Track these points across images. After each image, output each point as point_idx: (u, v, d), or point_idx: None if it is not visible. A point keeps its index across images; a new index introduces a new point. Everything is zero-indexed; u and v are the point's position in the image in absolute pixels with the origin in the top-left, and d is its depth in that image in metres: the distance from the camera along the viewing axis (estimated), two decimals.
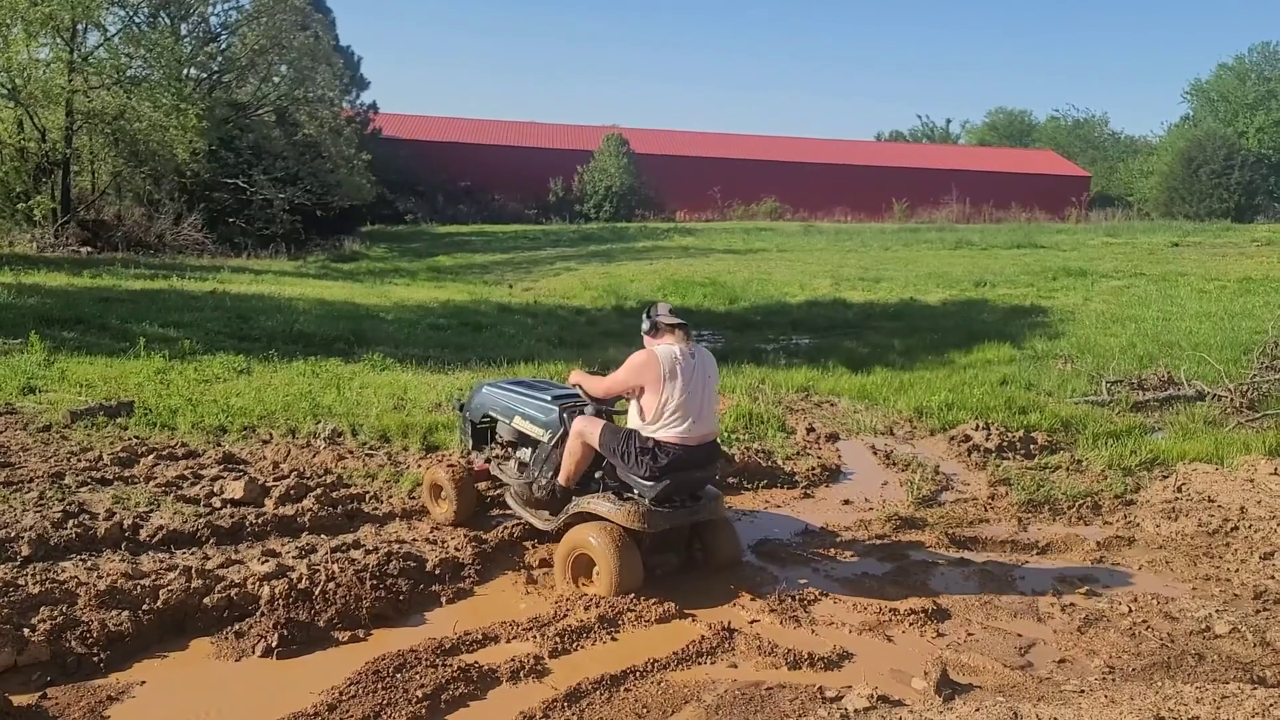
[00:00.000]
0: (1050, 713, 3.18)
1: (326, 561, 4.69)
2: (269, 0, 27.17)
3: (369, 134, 37.37)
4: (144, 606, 4.07)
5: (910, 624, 4.29)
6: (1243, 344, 10.68)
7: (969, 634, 4.23)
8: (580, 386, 4.92)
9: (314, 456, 6.60)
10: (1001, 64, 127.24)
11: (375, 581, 4.41)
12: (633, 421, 4.60)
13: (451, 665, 3.76)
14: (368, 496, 5.81)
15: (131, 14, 25.42)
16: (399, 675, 3.67)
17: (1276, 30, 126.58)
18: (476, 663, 3.80)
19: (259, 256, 23.46)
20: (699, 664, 3.88)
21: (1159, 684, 3.45)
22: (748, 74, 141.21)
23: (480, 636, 4.05)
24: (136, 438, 6.77)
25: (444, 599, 4.52)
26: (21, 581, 4.24)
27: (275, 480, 5.86)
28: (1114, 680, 3.76)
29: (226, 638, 3.99)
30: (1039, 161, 55.10)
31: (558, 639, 4.02)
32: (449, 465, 5.46)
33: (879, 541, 5.44)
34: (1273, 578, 4.91)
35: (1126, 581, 4.93)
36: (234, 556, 4.78)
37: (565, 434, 4.89)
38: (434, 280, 21.45)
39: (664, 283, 19.86)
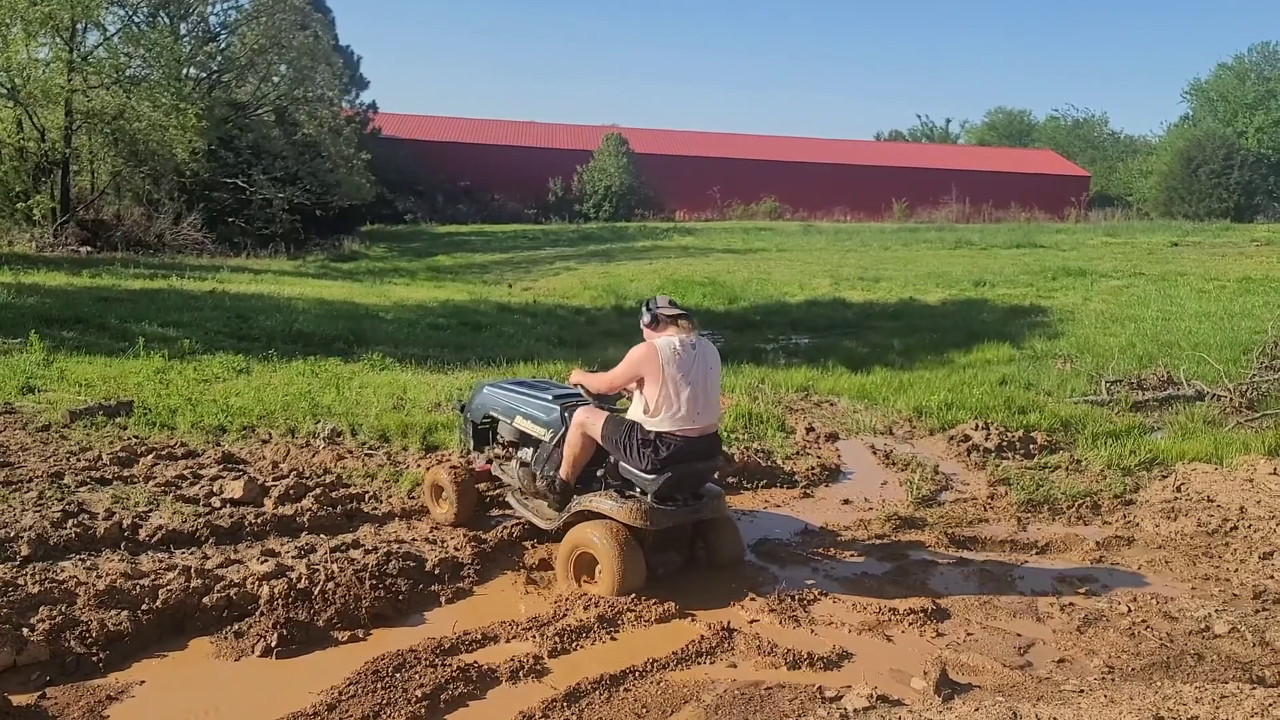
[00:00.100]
0: (1050, 712, 3.18)
1: (326, 561, 4.68)
2: (268, 0, 27.16)
3: (368, 133, 37.39)
4: (143, 606, 4.06)
5: (910, 624, 4.29)
6: (1242, 344, 10.69)
7: (968, 634, 4.23)
8: (581, 386, 4.92)
9: (313, 456, 6.60)
10: (1001, 64, 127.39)
11: (375, 581, 4.41)
12: (634, 414, 4.60)
13: (451, 665, 3.76)
14: (367, 496, 5.81)
15: (131, 13, 25.43)
16: (398, 675, 3.67)
17: (1276, 30, 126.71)
18: (476, 662, 3.80)
19: (258, 256, 23.45)
20: (698, 664, 3.88)
21: (1158, 684, 3.45)
22: (747, 74, 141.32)
23: (480, 636, 4.05)
24: (136, 437, 6.77)
25: (443, 599, 4.51)
26: (21, 581, 4.24)
27: (274, 480, 5.86)
28: (1113, 680, 3.77)
29: (226, 637, 3.99)
30: (1038, 161, 55.12)
31: (557, 639, 4.02)
32: (451, 466, 5.46)
33: (878, 541, 5.44)
34: (1272, 577, 4.91)
35: (1126, 581, 4.92)
36: (233, 556, 4.78)
37: (566, 433, 4.89)
38: (433, 280, 21.45)
39: (663, 282, 19.86)
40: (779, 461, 6.86)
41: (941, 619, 4.37)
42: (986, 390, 9.20)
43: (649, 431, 4.48)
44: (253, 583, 4.34)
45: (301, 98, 29.36)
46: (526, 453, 5.28)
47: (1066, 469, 6.96)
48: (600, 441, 4.66)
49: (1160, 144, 56.54)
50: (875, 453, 7.40)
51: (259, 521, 5.20)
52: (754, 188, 45.23)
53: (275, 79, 29.72)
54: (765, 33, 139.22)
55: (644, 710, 3.50)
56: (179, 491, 5.60)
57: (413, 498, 5.80)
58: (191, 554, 4.79)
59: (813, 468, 6.79)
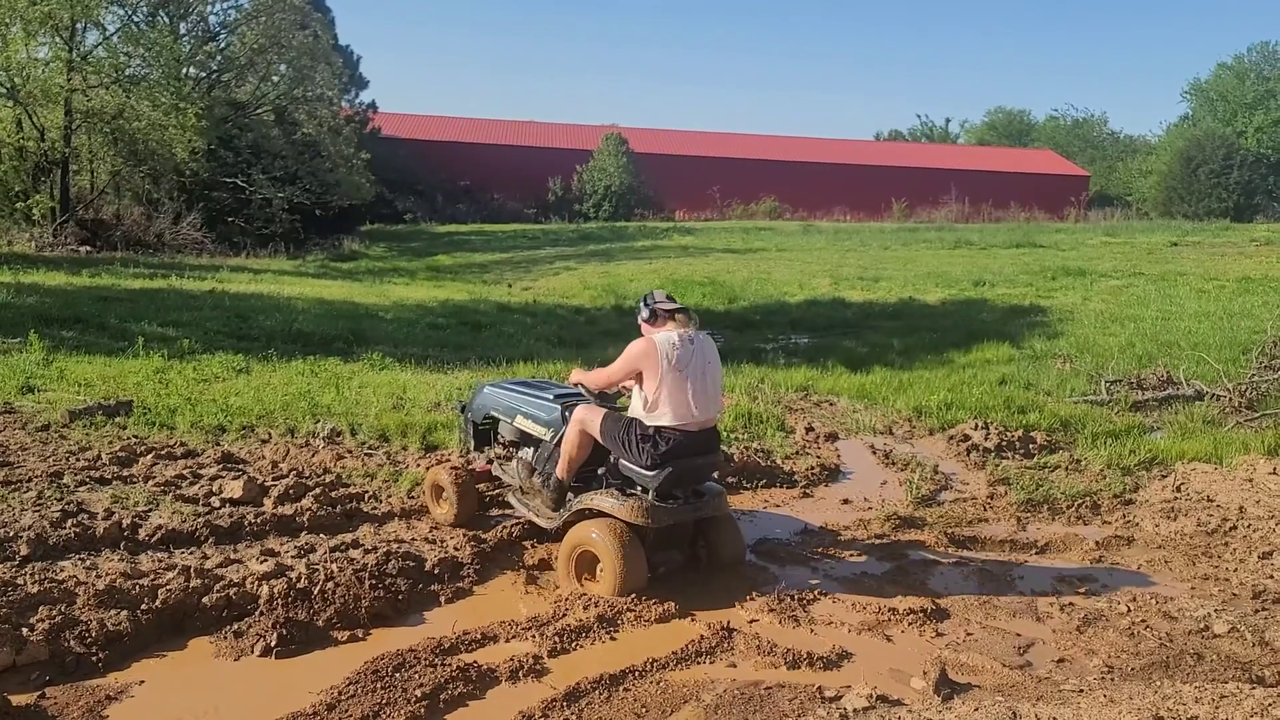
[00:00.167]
0: (1049, 712, 3.18)
1: (325, 561, 4.68)
2: (268, 0, 27.15)
3: (368, 133, 37.39)
4: (143, 606, 4.06)
5: (909, 623, 4.29)
6: (1241, 343, 10.69)
7: (968, 633, 4.23)
8: (581, 385, 4.92)
9: (313, 456, 6.60)
10: (1001, 63, 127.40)
11: (374, 581, 4.41)
12: (634, 411, 4.60)
13: (450, 665, 3.76)
14: (367, 496, 5.81)
15: (130, 13, 25.41)
16: (398, 675, 3.67)
17: (1276, 30, 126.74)
18: (475, 662, 3.80)
19: (258, 256, 23.44)
20: (698, 663, 3.88)
21: (1158, 683, 3.45)
22: (747, 74, 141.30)
23: (479, 636, 4.05)
24: (135, 437, 6.77)
25: (443, 598, 4.51)
26: (20, 581, 4.24)
27: (274, 480, 5.86)
28: (1113, 680, 3.77)
29: (225, 637, 3.99)
30: (1038, 161, 55.13)
31: (557, 638, 4.02)
32: (451, 467, 5.47)
33: (878, 541, 5.44)
34: (1271, 577, 4.91)
35: (1125, 581, 4.93)
36: (233, 556, 4.78)
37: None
38: (433, 279, 21.45)
39: (663, 282, 19.86)
40: (778, 461, 6.86)
41: (941, 619, 4.37)
42: (986, 390, 9.20)
43: (648, 426, 4.48)
44: (252, 582, 4.34)
45: (301, 97, 29.35)
46: (527, 452, 5.28)
47: (1066, 469, 6.96)
48: (600, 439, 4.66)
49: (1160, 144, 56.56)
50: (875, 452, 7.40)
51: (258, 521, 5.20)
52: (754, 187, 45.22)
53: (275, 78, 29.71)
54: (765, 33, 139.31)
55: (644, 710, 3.50)
56: (178, 491, 5.60)
57: (412, 497, 5.80)
58: (191, 554, 4.79)
59: (812, 467, 6.79)
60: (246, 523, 5.17)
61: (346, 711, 3.41)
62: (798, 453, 7.20)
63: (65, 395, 7.76)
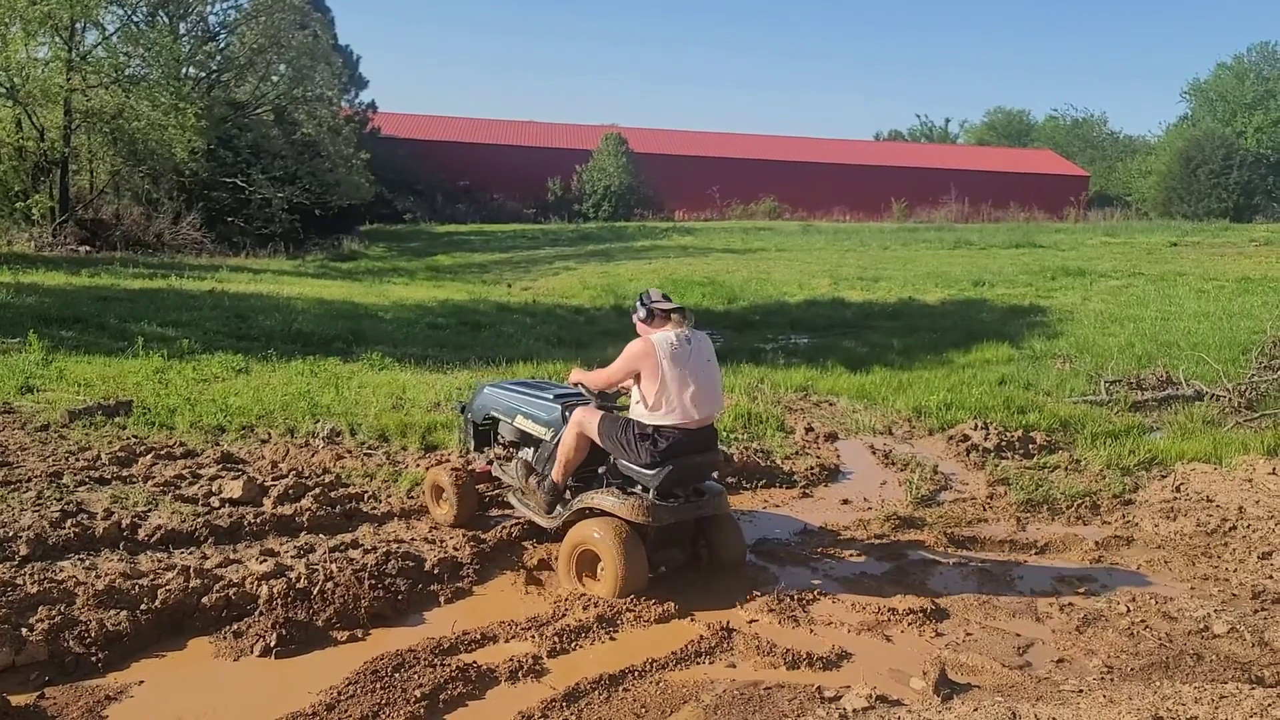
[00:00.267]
0: (1049, 712, 3.19)
1: (325, 561, 4.68)
2: (267, 0, 27.15)
3: (367, 133, 37.38)
4: (142, 606, 4.06)
5: (909, 624, 4.29)
6: (1241, 344, 10.69)
7: (967, 634, 4.23)
8: (581, 385, 4.93)
9: (312, 456, 6.59)
10: (1000, 63, 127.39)
11: (374, 581, 4.41)
12: (634, 411, 4.61)
13: (450, 665, 3.76)
14: (366, 496, 5.81)
15: (130, 13, 25.40)
16: (397, 675, 3.67)
17: (1275, 30, 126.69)
18: (475, 662, 3.80)
19: (257, 256, 23.43)
20: (697, 664, 3.88)
21: (1157, 684, 3.45)
22: (747, 74, 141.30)
23: (479, 636, 4.05)
24: (135, 437, 6.77)
25: (442, 599, 4.51)
26: (20, 581, 4.24)
27: (274, 480, 5.86)
28: (1112, 680, 3.77)
29: (225, 637, 3.99)
30: (1038, 161, 55.13)
31: (556, 639, 4.02)
32: (452, 468, 5.47)
33: (878, 541, 5.44)
34: (1271, 577, 4.91)
35: (1125, 581, 4.93)
36: (232, 556, 4.78)
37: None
38: (432, 279, 21.45)
39: (663, 282, 19.85)
40: (778, 461, 6.86)
41: (940, 619, 4.37)
42: (986, 390, 9.21)
43: (646, 425, 4.48)
44: (252, 582, 4.34)
45: (301, 97, 29.34)
46: (527, 452, 5.28)
47: (1066, 469, 6.96)
48: (599, 440, 4.66)
49: (1159, 144, 56.56)
50: (874, 453, 7.40)
51: (258, 521, 5.20)
52: (753, 187, 45.22)
53: (274, 78, 29.70)
54: (765, 33, 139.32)
55: (643, 710, 3.50)
56: (178, 491, 5.60)
57: (412, 497, 5.80)
58: (190, 554, 4.79)
59: (812, 468, 6.79)
60: (246, 523, 5.17)
61: (346, 712, 3.41)
62: (797, 453, 7.20)
63: (65, 395, 7.76)
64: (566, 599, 4.44)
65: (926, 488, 6.40)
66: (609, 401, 4.93)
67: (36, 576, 4.30)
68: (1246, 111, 53.25)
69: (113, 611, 4.00)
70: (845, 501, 6.22)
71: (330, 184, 28.09)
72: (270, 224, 25.80)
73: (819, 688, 3.65)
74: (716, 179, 45.21)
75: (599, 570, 4.49)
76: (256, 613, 4.13)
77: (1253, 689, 3.27)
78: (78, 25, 22.63)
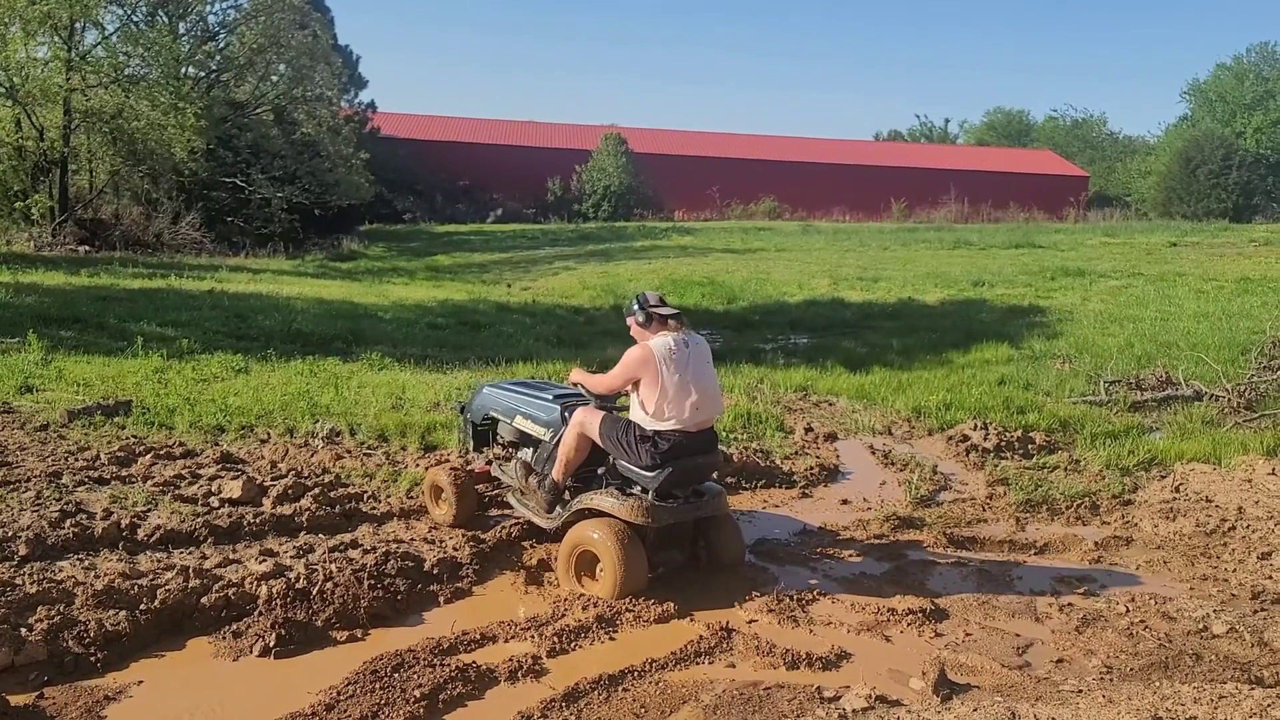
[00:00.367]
0: (1048, 713, 3.19)
1: (324, 561, 4.69)
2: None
3: (367, 133, 37.36)
4: (141, 606, 4.06)
5: (908, 624, 4.30)
6: (1240, 344, 10.70)
7: (967, 634, 4.23)
8: (581, 385, 4.93)
9: (312, 456, 6.59)
10: (1000, 64, 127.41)
11: (373, 581, 4.41)
12: (634, 415, 4.61)
13: (449, 665, 3.76)
14: (365, 496, 5.80)
15: (129, 12, 25.39)
16: (397, 675, 3.67)
17: (1275, 30, 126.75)
18: (474, 662, 3.80)
19: (257, 255, 23.42)
20: (697, 664, 3.88)
21: (1157, 684, 3.45)
22: (746, 73, 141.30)
23: (478, 636, 4.05)
24: (134, 437, 6.77)
25: (442, 599, 4.51)
26: (19, 581, 4.24)
27: (273, 480, 5.86)
28: (1112, 680, 3.77)
29: (224, 637, 3.99)
30: (1037, 161, 55.13)
31: (556, 639, 4.02)
32: (451, 469, 5.47)
33: (877, 541, 5.44)
34: (1270, 577, 4.91)
35: (1124, 581, 4.93)
36: (232, 556, 4.78)
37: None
38: (432, 279, 21.44)
39: (662, 282, 19.86)
40: (778, 461, 6.87)
41: (940, 619, 4.37)
42: (985, 390, 9.21)
43: (647, 429, 4.49)
44: (251, 583, 4.34)
45: (300, 97, 29.33)
46: (526, 453, 5.28)
47: (1065, 469, 6.97)
48: (599, 441, 4.66)
49: (1159, 144, 56.55)
50: (874, 453, 7.40)
51: (257, 521, 5.20)
52: (753, 187, 45.21)
53: (274, 78, 29.69)
54: (765, 33, 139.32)
55: (642, 710, 3.50)
56: (177, 491, 5.59)
57: (411, 497, 5.80)
58: (190, 554, 4.79)
59: (811, 468, 6.79)
60: (245, 523, 5.17)
61: (345, 712, 3.41)
62: (797, 453, 7.20)
63: (64, 395, 7.75)
64: (566, 599, 4.44)
65: (926, 488, 6.40)
66: (609, 402, 4.93)
67: (35, 576, 4.30)
68: (1246, 112, 53.25)
69: (112, 611, 4.00)
70: (844, 502, 6.22)
71: (330, 184, 28.07)
72: (270, 224, 25.78)
73: (818, 688, 3.65)
74: (716, 179, 45.19)
75: (598, 571, 4.49)
76: (256, 613, 4.13)
77: (1252, 689, 3.27)
78: (77, 25, 22.62)
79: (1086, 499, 6.24)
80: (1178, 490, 6.37)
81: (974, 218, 43.13)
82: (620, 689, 3.63)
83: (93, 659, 3.75)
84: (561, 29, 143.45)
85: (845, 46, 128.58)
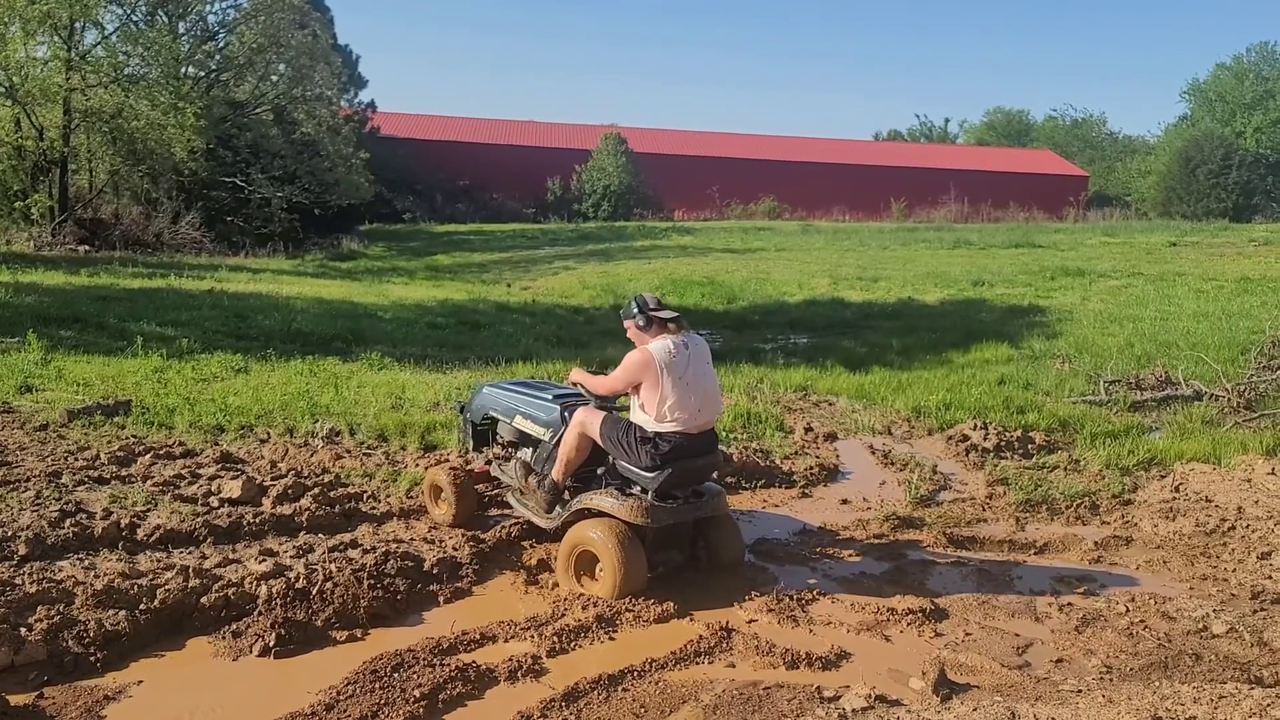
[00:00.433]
0: (1048, 712, 3.19)
1: (324, 561, 4.69)
2: None
3: (367, 132, 37.36)
4: (141, 606, 4.06)
5: (908, 624, 4.30)
6: (1240, 344, 10.70)
7: (967, 634, 4.23)
8: (582, 385, 4.93)
9: (312, 456, 6.59)
10: (1000, 63, 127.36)
11: (373, 581, 4.41)
12: (635, 417, 4.60)
13: (449, 665, 3.76)
14: (365, 496, 5.80)
15: (129, 12, 25.39)
16: (396, 675, 3.67)
17: (1275, 30, 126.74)
18: (474, 662, 3.80)
19: (257, 255, 23.42)
20: (697, 664, 3.88)
21: (1156, 684, 3.45)
22: (746, 73, 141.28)
23: (478, 636, 4.05)
24: (134, 437, 6.76)
25: (442, 599, 4.51)
26: (18, 581, 4.24)
27: (273, 479, 5.86)
28: (1111, 680, 3.77)
29: (224, 637, 3.99)
30: (1037, 161, 55.13)
31: (555, 638, 4.02)
32: (450, 469, 5.47)
33: (877, 541, 5.44)
34: (1270, 577, 4.91)
35: (1124, 581, 4.93)
36: (231, 556, 4.78)
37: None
38: (432, 279, 21.44)
39: (662, 281, 19.86)
40: (777, 461, 6.87)
41: (940, 619, 4.37)
42: (985, 390, 9.21)
43: (648, 430, 4.48)
44: (251, 582, 4.34)
45: (300, 96, 29.32)
46: (526, 453, 5.28)
47: (1065, 469, 6.97)
48: (599, 441, 4.66)
49: (1158, 144, 56.55)
50: (874, 452, 7.40)
51: (257, 521, 5.20)
52: (753, 187, 45.21)
53: (274, 78, 29.69)
54: (765, 32, 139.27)
55: (642, 710, 3.50)
56: (177, 491, 5.59)
57: (411, 497, 5.80)
58: (189, 553, 4.79)
59: (811, 467, 6.79)
60: (245, 522, 5.17)
61: (345, 712, 3.41)
62: (796, 453, 7.20)
63: (64, 395, 7.75)
64: (566, 599, 4.44)
65: (925, 488, 6.40)
66: (609, 402, 4.93)
67: (35, 576, 4.30)
68: (1246, 111, 53.26)
69: (111, 611, 4.00)
70: (844, 501, 6.22)
71: (329, 183, 28.06)
72: (269, 223, 25.78)
73: (818, 687, 3.65)
74: (716, 179, 45.19)
75: (598, 571, 4.49)
76: (255, 612, 4.13)
77: (1251, 689, 3.27)
78: (77, 24, 22.62)
79: (1086, 499, 6.24)
80: (1177, 490, 6.37)
81: (974, 217, 43.13)
82: (620, 689, 3.64)
83: (92, 659, 3.75)
84: (561, 29, 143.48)
85: (845, 46, 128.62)
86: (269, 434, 7.07)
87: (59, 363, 8.88)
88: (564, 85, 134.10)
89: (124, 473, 5.92)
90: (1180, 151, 47.23)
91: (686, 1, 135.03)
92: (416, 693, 3.52)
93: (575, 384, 5.01)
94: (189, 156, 23.54)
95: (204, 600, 4.17)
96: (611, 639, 4.11)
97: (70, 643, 3.79)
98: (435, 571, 4.70)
